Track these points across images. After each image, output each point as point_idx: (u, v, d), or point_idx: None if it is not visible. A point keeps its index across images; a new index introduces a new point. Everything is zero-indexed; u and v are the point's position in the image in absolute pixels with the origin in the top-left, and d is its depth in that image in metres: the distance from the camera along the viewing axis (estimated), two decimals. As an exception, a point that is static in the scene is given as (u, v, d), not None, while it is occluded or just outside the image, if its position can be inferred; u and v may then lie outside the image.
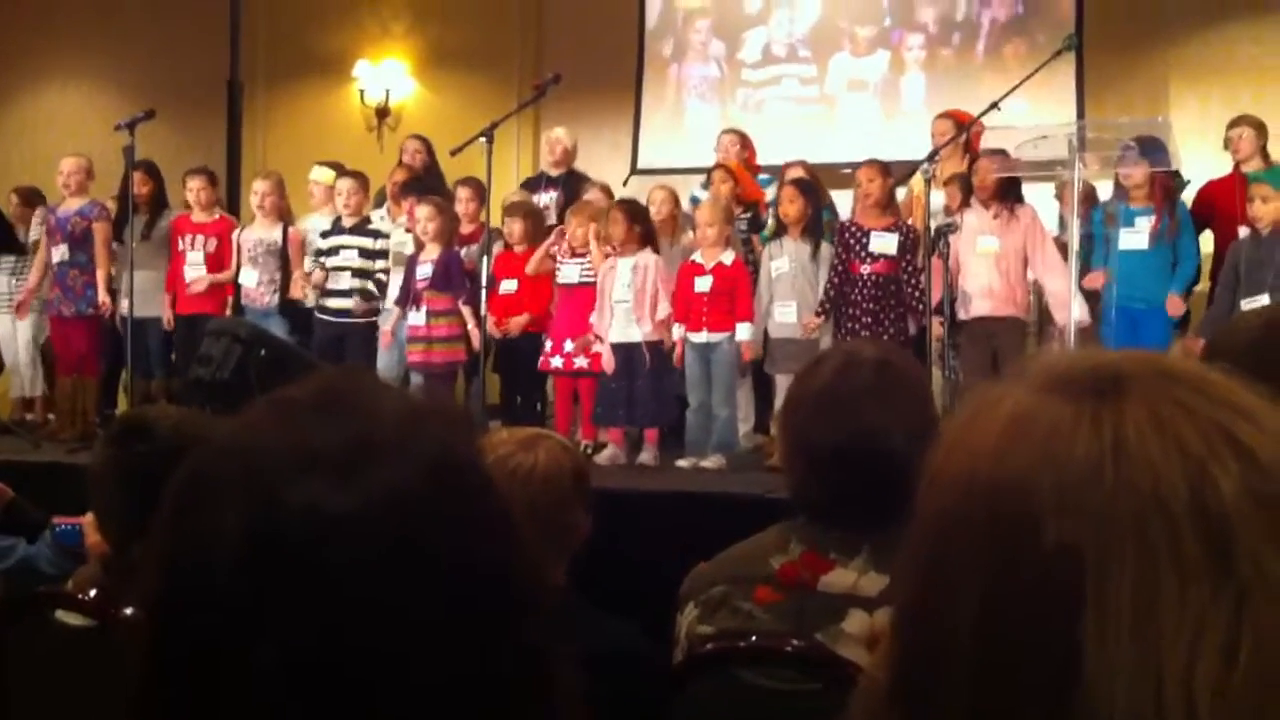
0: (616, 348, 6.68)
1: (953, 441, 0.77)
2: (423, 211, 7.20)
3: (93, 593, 2.22)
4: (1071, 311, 5.72)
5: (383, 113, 11.15)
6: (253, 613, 0.84)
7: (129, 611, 2.10)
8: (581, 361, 6.82)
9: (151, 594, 0.91)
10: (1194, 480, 0.67)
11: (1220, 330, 2.14)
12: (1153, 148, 5.99)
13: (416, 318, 7.09)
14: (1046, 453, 0.70)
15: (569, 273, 6.96)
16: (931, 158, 5.92)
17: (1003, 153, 6.17)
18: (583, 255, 6.94)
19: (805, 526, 2.05)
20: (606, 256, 6.80)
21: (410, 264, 7.23)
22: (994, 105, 6.06)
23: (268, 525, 0.85)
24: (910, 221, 6.82)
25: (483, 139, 6.59)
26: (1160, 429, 0.69)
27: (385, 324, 7.34)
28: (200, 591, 0.86)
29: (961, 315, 6.48)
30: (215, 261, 7.77)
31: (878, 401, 2.00)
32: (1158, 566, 0.67)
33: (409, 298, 7.16)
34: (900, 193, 7.06)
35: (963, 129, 6.79)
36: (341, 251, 7.57)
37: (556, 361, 6.89)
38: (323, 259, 7.61)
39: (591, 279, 6.87)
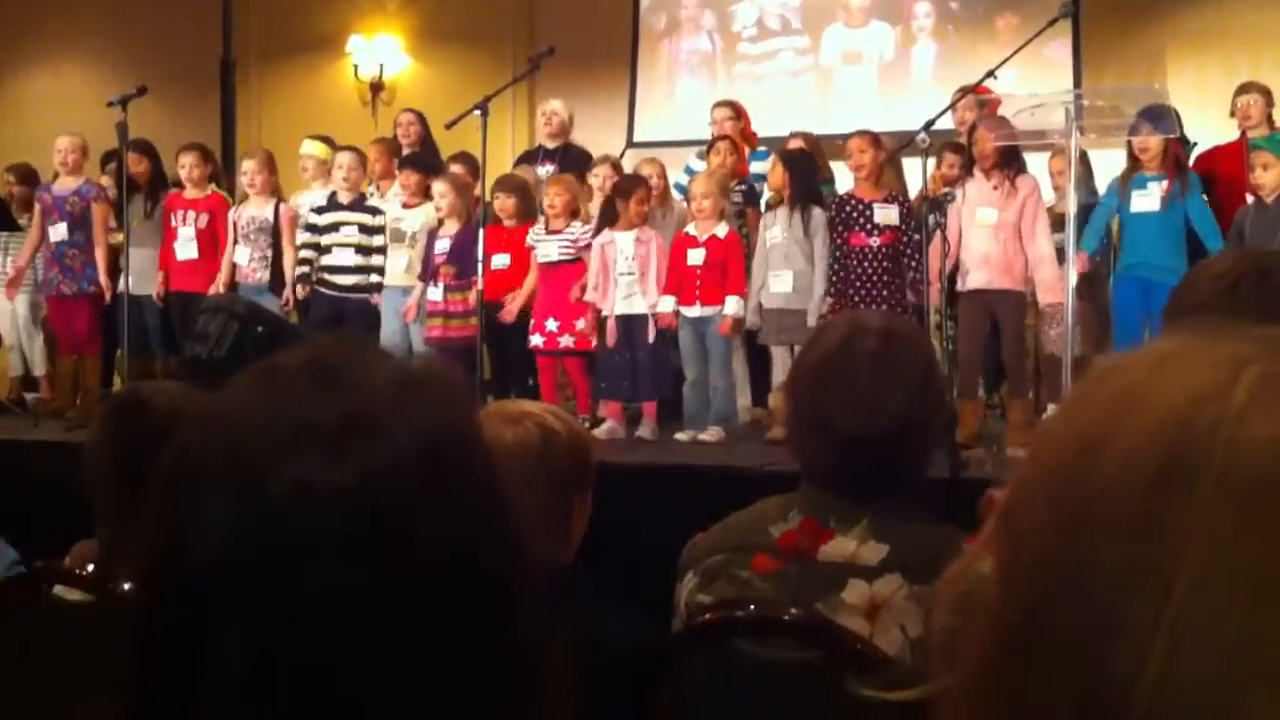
0: (618, 320, 6.69)
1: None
2: (438, 188, 7.21)
3: (90, 568, 2.22)
4: (1068, 280, 5.69)
5: (377, 88, 11.11)
6: (240, 594, 0.83)
7: (126, 587, 2.10)
8: (567, 341, 6.80)
9: (141, 574, 0.90)
10: None
11: (1184, 281, 2.12)
12: (1159, 115, 5.97)
13: (434, 293, 7.12)
14: None
15: (547, 250, 6.94)
16: (927, 127, 5.89)
17: (1004, 121, 6.14)
18: (558, 232, 6.91)
19: (806, 495, 2.04)
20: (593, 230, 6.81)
21: (430, 239, 7.25)
22: (990, 74, 6.03)
23: (255, 506, 0.83)
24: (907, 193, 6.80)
25: (477, 112, 6.55)
26: None
27: (411, 298, 7.34)
28: (188, 573, 0.85)
29: (959, 286, 6.46)
30: (207, 238, 7.75)
31: (882, 370, 1.99)
32: None
33: (429, 272, 7.17)
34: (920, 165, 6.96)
35: (963, 99, 6.76)
36: (341, 228, 7.57)
37: (537, 340, 6.87)
38: (320, 237, 7.58)
39: (570, 255, 6.85)
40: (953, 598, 0.80)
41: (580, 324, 6.78)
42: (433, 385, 0.92)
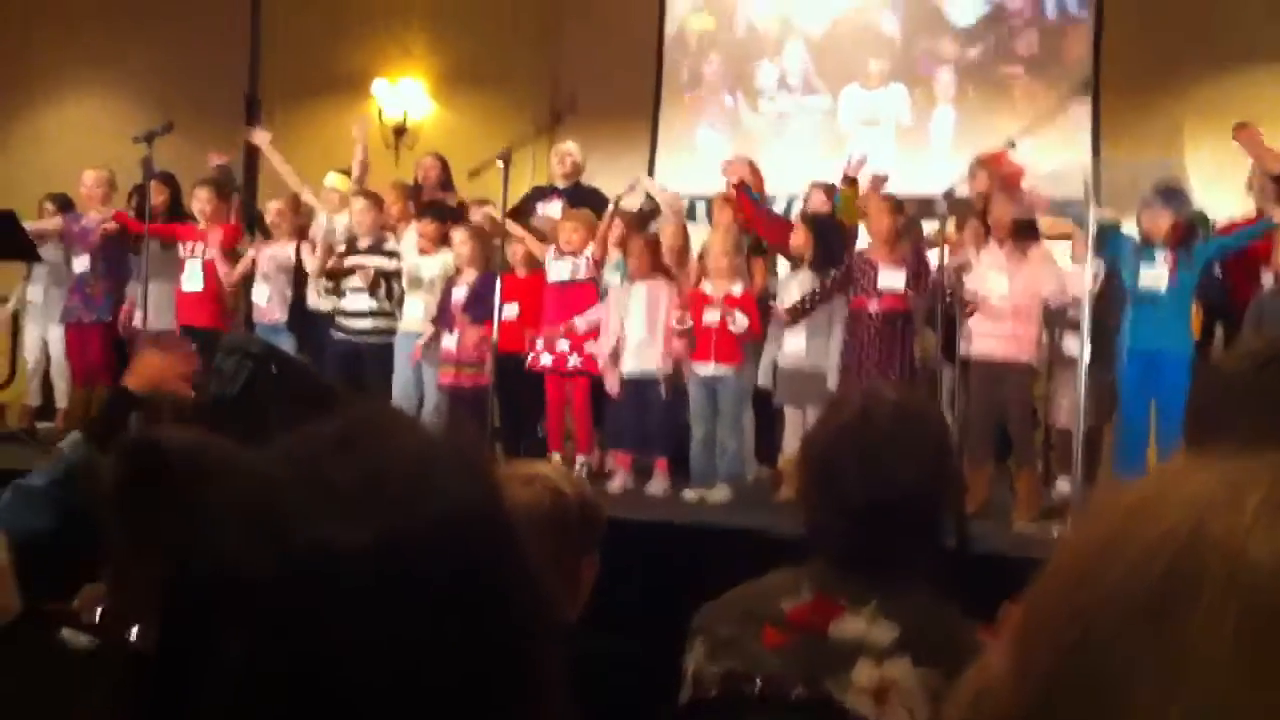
0: (629, 379, 6.71)
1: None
2: (458, 235, 7.27)
3: (98, 612, 2.21)
4: (1082, 356, 5.69)
5: (400, 131, 11.19)
6: (257, 640, 0.87)
7: (134, 632, 2.09)
8: (575, 361, 6.84)
9: (159, 618, 0.93)
10: None
11: (1212, 363, 2.11)
12: (1172, 194, 6.01)
13: (449, 340, 7.15)
14: None
15: (559, 269, 7.00)
16: (948, 195, 5.92)
17: (1021, 191, 6.16)
18: (572, 254, 6.98)
19: (817, 569, 2.04)
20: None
21: (447, 286, 7.30)
22: (1010, 144, 6.07)
23: (279, 559, 0.87)
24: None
25: (499, 162, 6.61)
26: None
27: (420, 339, 7.38)
28: (212, 616, 0.89)
29: (971, 353, 6.45)
30: (212, 270, 7.81)
31: (898, 448, 1.99)
32: None
33: (445, 320, 7.21)
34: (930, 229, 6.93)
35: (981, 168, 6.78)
36: (358, 272, 7.60)
37: (546, 360, 6.91)
38: (341, 260, 7.61)
39: (583, 277, 6.92)
40: (969, 697, 0.82)
41: (590, 346, 6.82)
42: (452, 454, 0.96)
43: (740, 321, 6.51)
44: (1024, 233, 6.44)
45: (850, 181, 7.11)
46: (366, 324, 7.56)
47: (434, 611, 0.88)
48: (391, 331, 7.53)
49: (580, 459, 6.79)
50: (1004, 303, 6.37)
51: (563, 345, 6.89)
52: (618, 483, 6.62)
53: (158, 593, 0.95)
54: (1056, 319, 6.60)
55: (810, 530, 2.06)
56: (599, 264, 7.02)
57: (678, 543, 5.16)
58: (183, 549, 0.93)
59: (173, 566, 0.93)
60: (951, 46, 10.06)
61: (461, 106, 11.07)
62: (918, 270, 6.46)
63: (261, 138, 8.38)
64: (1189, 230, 6.29)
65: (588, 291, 6.95)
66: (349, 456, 0.91)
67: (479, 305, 7.03)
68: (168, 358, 3.18)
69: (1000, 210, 6.39)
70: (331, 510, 0.88)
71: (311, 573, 0.87)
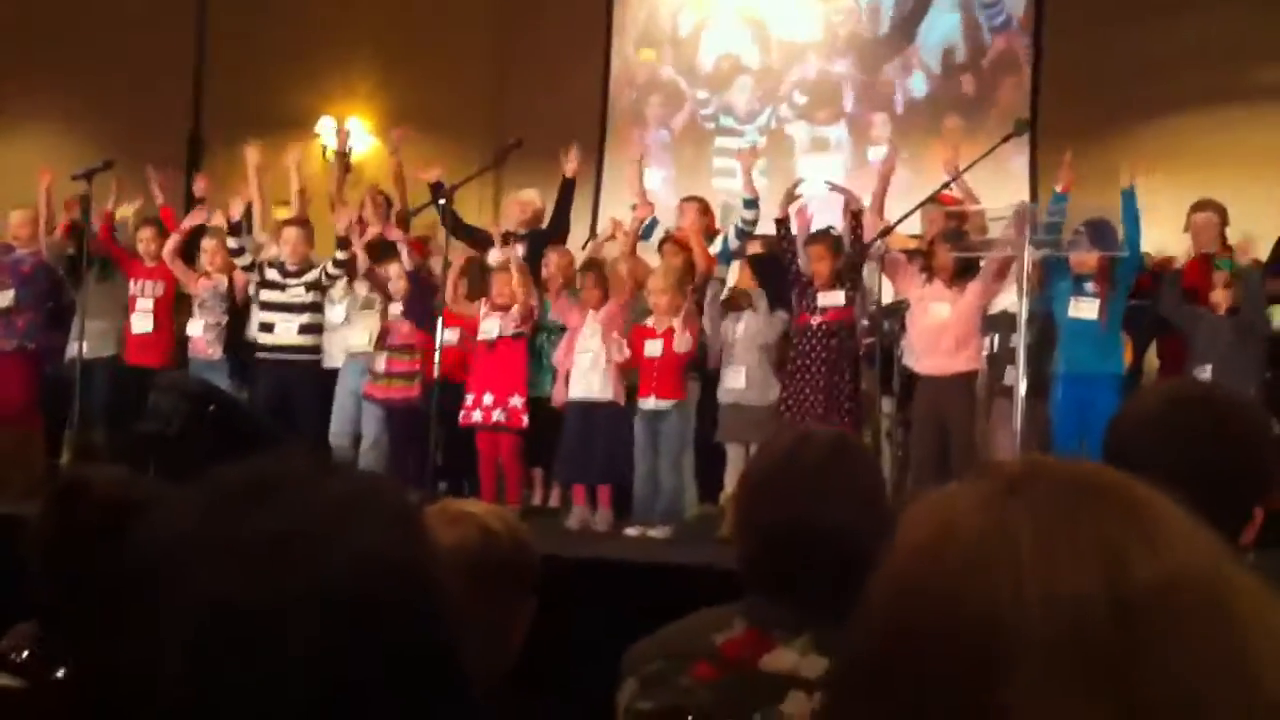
0: (575, 404, 6.73)
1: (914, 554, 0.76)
2: (394, 270, 7.30)
3: (25, 654, 2.19)
4: (1019, 385, 5.82)
5: (344, 168, 11.14)
6: (176, 703, 0.84)
7: (61, 673, 2.07)
8: (499, 416, 6.88)
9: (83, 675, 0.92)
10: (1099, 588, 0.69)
11: (1131, 401, 2.15)
12: (1102, 232, 6.15)
13: (380, 360, 7.24)
14: (971, 561, 0.71)
15: (489, 328, 7.02)
16: (885, 234, 6.01)
17: (961, 234, 6.30)
18: (503, 309, 7.01)
19: (750, 604, 2.05)
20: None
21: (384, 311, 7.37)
22: (946, 185, 6.16)
23: (180, 623, 0.84)
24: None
25: (441, 201, 6.64)
26: (1062, 536, 0.70)
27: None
28: (128, 678, 0.86)
29: (913, 367, 6.58)
30: (164, 307, 7.77)
31: (828, 483, 2.00)
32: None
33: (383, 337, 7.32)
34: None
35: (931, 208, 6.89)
36: (288, 289, 7.58)
37: (476, 416, 6.95)
38: (265, 294, 7.62)
39: (511, 332, 6.96)
40: None
41: (515, 401, 6.85)
42: (371, 506, 0.92)
43: (683, 339, 6.54)
44: (966, 272, 6.57)
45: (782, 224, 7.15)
46: (297, 340, 7.54)
47: (343, 671, 0.85)
48: (318, 349, 7.52)
49: (510, 506, 6.80)
50: (945, 327, 6.49)
51: (488, 400, 6.92)
52: (577, 517, 6.66)
53: (87, 630, 0.93)
54: (997, 349, 6.69)
55: (743, 564, 2.07)
56: (529, 319, 7.04)
57: (616, 580, 5.14)
58: (104, 614, 0.91)
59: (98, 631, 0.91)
60: (891, 89, 10.20)
61: (407, 145, 11.04)
62: (855, 289, 6.53)
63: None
64: (1114, 263, 6.45)
65: (519, 349, 6.98)
66: (261, 508, 0.88)
67: (413, 316, 7.06)
68: None
69: (944, 255, 6.52)
70: (238, 568, 0.85)
71: (215, 635, 0.84)
